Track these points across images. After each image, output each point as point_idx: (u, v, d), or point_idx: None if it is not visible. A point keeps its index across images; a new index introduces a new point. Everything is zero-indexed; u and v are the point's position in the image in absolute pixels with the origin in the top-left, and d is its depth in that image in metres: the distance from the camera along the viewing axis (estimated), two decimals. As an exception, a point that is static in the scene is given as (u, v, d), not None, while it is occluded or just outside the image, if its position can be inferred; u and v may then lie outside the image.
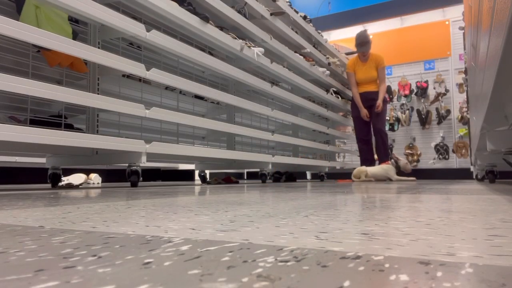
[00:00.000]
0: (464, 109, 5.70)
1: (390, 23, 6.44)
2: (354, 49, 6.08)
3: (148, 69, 2.19)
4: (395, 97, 6.24)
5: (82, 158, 2.35)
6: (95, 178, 3.78)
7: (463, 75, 5.51)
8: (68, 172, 3.58)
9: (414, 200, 0.99)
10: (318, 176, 4.91)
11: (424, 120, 5.98)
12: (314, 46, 4.46)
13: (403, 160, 4.32)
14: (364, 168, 4.32)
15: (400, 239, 0.41)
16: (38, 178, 3.82)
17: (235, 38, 2.97)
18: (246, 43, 3.07)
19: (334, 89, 4.91)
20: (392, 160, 4.34)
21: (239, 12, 3.10)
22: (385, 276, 0.26)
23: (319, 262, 0.30)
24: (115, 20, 2.01)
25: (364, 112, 4.75)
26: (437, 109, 5.91)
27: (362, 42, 4.75)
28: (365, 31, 4.91)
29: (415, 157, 6.02)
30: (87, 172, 4.08)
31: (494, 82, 1.10)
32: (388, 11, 6.41)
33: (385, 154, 4.67)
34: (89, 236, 0.43)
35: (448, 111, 5.85)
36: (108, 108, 1.97)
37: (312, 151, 5.06)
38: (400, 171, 4.34)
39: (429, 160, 5.94)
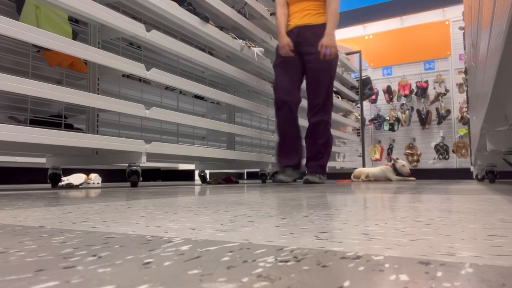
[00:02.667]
0: (464, 109, 5.70)
1: (390, 23, 6.44)
2: (354, 49, 6.09)
3: (148, 69, 2.19)
4: (395, 97, 6.24)
5: (82, 158, 2.34)
6: (95, 178, 3.78)
7: (463, 75, 5.51)
8: (68, 172, 3.58)
9: (414, 200, 0.99)
10: (318, 176, 4.90)
11: (424, 120, 5.99)
12: (314, 46, 4.45)
13: (400, 162, 4.28)
14: (365, 169, 4.33)
15: (400, 239, 0.41)
16: (38, 178, 3.82)
17: (235, 38, 2.97)
18: (246, 43, 3.07)
19: (334, 89, 4.90)
20: (392, 162, 4.33)
21: (239, 12, 3.10)
22: (385, 276, 0.26)
23: (319, 262, 0.30)
24: (115, 20, 2.01)
25: (285, 40, 2.85)
26: (437, 109, 5.91)
27: None
28: None
29: (415, 157, 6.02)
30: (87, 172, 4.08)
31: (494, 82, 1.10)
32: (388, 11, 6.42)
33: (321, 161, 2.95)
34: (89, 236, 0.43)
35: (448, 111, 5.85)
36: (108, 108, 1.97)
37: (312, 151, 5.04)
38: (399, 172, 4.33)
39: (429, 160, 5.94)
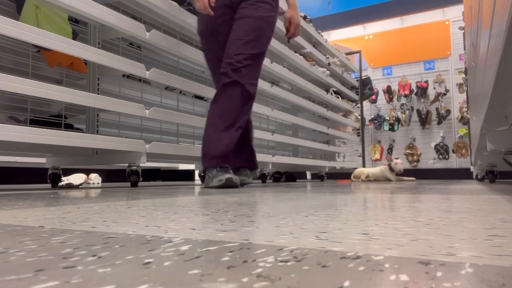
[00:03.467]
0: (464, 109, 5.71)
1: (390, 23, 6.44)
2: (354, 49, 6.08)
3: (148, 69, 2.19)
4: (395, 97, 6.24)
5: (82, 158, 2.34)
6: (95, 178, 3.78)
7: (463, 75, 5.51)
8: (68, 172, 3.58)
9: (414, 200, 0.99)
10: (318, 176, 4.91)
11: (424, 120, 5.99)
12: (314, 46, 4.46)
13: (394, 161, 4.24)
14: (365, 169, 4.32)
15: (400, 239, 0.41)
16: (38, 178, 3.82)
17: (235, 38, 2.96)
18: (246, 43, 3.07)
19: (334, 89, 4.91)
20: (388, 162, 4.31)
21: (239, 12, 3.10)
22: (385, 276, 0.26)
23: (319, 262, 0.30)
24: (115, 20, 2.00)
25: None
26: (437, 109, 5.91)
27: None
28: None
29: (415, 157, 6.02)
30: (87, 172, 4.08)
31: (494, 82, 1.10)
32: (388, 11, 6.42)
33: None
34: (89, 236, 0.43)
35: (448, 111, 5.85)
36: (108, 108, 1.97)
37: (312, 151, 5.06)
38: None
39: (429, 160, 5.94)
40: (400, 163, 4.18)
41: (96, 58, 1.90)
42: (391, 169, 4.18)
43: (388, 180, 4.15)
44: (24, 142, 1.62)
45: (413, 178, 4.37)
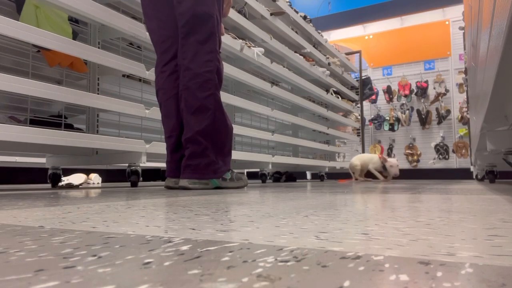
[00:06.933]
0: (464, 109, 5.71)
1: (390, 23, 6.44)
2: (354, 49, 6.08)
3: (148, 69, 2.19)
4: (395, 97, 6.24)
5: (82, 158, 2.34)
6: (95, 178, 3.77)
7: (463, 75, 5.51)
8: (68, 172, 3.58)
9: (414, 200, 0.99)
10: (318, 176, 4.91)
11: (424, 120, 5.99)
12: (314, 46, 4.46)
13: (390, 162, 4.01)
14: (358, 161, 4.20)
15: (400, 239, 0.41)
16: (38, 178, 3.82)
17: (235, 38, 2.96)
18: (246, 43, 3.07)
19: (334, 89, 4.91)
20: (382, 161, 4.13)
21: (239, 12, 3.10)
22: (385, 276, 0.26)
23: (319, 262, 0.30)
24: (115, 20, 2.01)
25: None
26: (437, 109, 5.91)
27: None
28: None
29: (415, 157, 6.03)
30: (87, 172, 4.08)
31: (494, 82, 1.10)
32: (388, 11, 6.42)
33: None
34: (89, 236, 0.43)
35: (448, 111, 5.86)
36: (108, 108, 1.97)
37: (312, 151, 5.06)
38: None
39: (429, 160, 5.94)
40: (396, 165, 3.98)
41: (96, 58, 1.90)
42: (384, 169, 4.02)
43: (375, 176, 4.07)
44: (24, 142, 1.62)
45: (383, 179, 4.13)
